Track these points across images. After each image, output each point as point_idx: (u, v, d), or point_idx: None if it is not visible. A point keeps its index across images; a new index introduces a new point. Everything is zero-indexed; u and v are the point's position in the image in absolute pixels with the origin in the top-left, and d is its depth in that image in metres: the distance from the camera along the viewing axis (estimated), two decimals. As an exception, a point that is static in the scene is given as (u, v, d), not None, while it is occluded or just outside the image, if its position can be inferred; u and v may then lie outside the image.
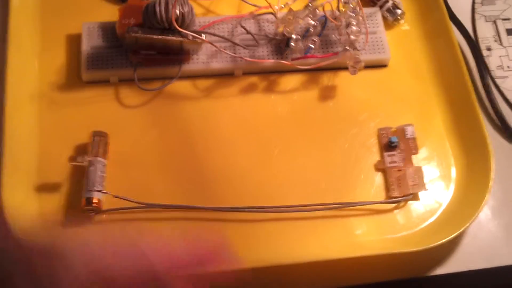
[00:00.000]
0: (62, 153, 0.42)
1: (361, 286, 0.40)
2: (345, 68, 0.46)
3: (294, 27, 0.44)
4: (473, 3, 0.53)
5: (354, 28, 0.44)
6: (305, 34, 0.45)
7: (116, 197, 0.40)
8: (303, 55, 0.46)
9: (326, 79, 0.47)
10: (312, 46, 0.45)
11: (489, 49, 0.50)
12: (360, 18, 0.45)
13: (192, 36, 0.43)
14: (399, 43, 0.49)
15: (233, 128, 0.44)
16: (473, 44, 0.49)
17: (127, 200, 0.40)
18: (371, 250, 0.40)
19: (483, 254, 0.42)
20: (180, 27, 0.43)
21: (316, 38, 0.45)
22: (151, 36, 0.43)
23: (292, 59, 0.45)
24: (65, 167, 0.41)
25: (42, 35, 0.47)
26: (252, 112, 0.45)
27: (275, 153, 0.43)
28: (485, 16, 0.52)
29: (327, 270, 0.40)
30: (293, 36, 0.44)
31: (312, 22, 0.45)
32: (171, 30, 0.43)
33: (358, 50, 0.45)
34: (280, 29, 0.46)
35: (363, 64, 0.45)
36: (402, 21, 0.49)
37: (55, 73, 0.45)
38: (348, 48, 0.45)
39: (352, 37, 0.44)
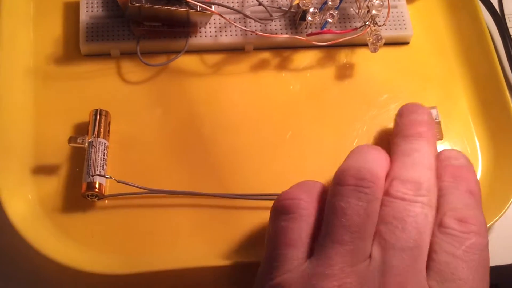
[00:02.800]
0: (60, 133, 0.39)
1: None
2: (364, 44, 0.43)
3: None
4: (500, -24, 0.50)
5: (376, 1, 0.41)
6: (322, 7, 0.42)
7: (120, 182, 0.37)
8: (319, 30, 0.43)
9: (343, 56, 0.44)
10: (330, 21, 0.42)
11: (517, 26, 0.48)
12: (382, -10, 0.42)
13: (200, 7, 0.40)
14: (421, 18, 0.46)
15: (243, 108, 0.41)
16: (500, 20, 0.46)
17: (131, 185, 0.37)
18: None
19: (510, 250, 0.40)
20: (187, -4, 0.39)
21: (334, 12, 0.42)
22: (156, 6, 0.40)
23: (308, 35, 0.42)
24: (63, 148, 0.38)
25: (37, 2, 0.43)
26: (264, 91, 0.42)
27: (287, 136, 0.41)
28: (512, -9, 0.49)
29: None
30: (311, 10, 0.41)
31: (331, -6, 0.41)
32: (177, 0, 0.40)
33: (379, 26, 0.42)
34: (296, 1, 0.42)
35: (384, 41, 0.42)
36: (424, -6, 0.46)
37: (51, 45, 0.42)
38: (368, 23, 0.42)
39: (373, 11, 0.41)
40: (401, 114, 0.36)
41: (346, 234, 0.29)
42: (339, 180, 0.31)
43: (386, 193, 0.31)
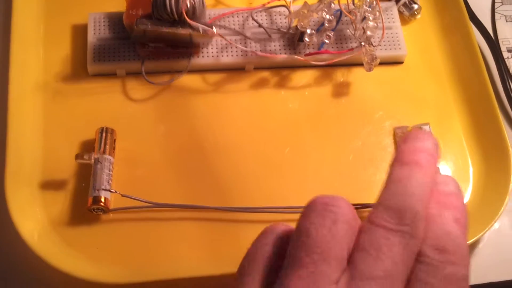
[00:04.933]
0: (67, 149, 0.41)
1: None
2: (359, 64, 0.45)
3: (308, 21, 0.43)
4: (493, 2, 0.51)
5: (371, 23, 0.43)
6: (319, 28, 0.44)
7: (125, 196, 0.38)
8: (317, 50, 0.44)
9: (340, 75, 0.45)
10: (327, 41, 0.44)
11: (510, 50, 0.49)
12: (377, 12, 0.43)
13: (203, 29, 0.42)
14: (415, 39, 0.47)
15: (244, 124, 0.43)
16: (494, 45, 0.47)
17: (136, 199, 0.38)
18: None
19: (505, 266, 0.41)
20: (190, 19, 0.41)
21: (331, 33, 0.43)
22: (160, 29, 0.42)
23: (306, 55, 0.44)
24: (70, 163, 0.40)
25: (47, 25, 0.45)
26: (263, 108, 0.44)
27: (286, 152, 0.42)
28: (505, 16, 0.51)
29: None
30: (308, 31, 0.43)
31: (328, 17, 0.43)
32: (181, 22, 0.42)
33: (374, 46, 0.44)
34: (294, 23, 0.44)
35: (378, 60, 0.43)
36: (418, 16, 0.48)
37: (60, 65, 0.44)
38: (363, 44, 0.44)
39: (368, 32, 0.43)
40: (405, 140, 0.33)
41: (308, 255, 0.27)
42: (308, 206, 0.29)
43: (367, 219, 0.29)
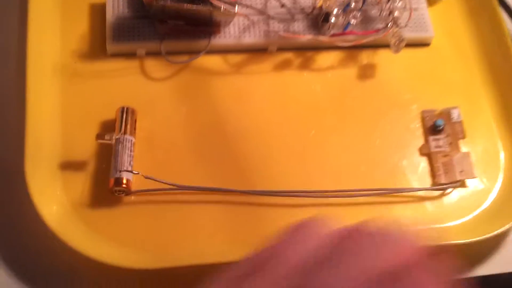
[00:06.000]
0: (86, 130, 0.40)
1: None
2: (385, 46, 0.44)
3: (335, 1, 0.42)
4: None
5: (398, 4, 0.42)
6: (345, 9, 0.43)
7: (148, 178, 0.37)
8: (342, 31, 0.43)
9: (365, 57, 0.44)
10: (352, 22, 0.42)
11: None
12: (404, -8, 0.42)
13: (224, 7, 0.41)
14: (442, 21, 0.46)
15: (266, 106, 0.42)
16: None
17: (159, 181, 0.37)
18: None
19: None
20: (211, -4, 0.40)
21: (357, 14, 0.42)
22: (180, 5, 0.40)
23: (331, 35, 0.43)
24: (90, 144, 0.39)
25: (64, 4, 0.44)
26: (287, 90, 0.43)
27: (311, 135, 0.41)
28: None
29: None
30: (334, 11, 0.42)
31: (354, -4, 0.42)
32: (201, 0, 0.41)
33: (400, 27, 0.43)
34: (320, 3, 0.43)
35: (405, 42, 0.42)
36: (445, -3, 0.47)
37: (78, 44, 0.43)
38: (390, 25, 0.42)
39: (396, 13, 0.42)
40: None
41: None
42: None
43: None
